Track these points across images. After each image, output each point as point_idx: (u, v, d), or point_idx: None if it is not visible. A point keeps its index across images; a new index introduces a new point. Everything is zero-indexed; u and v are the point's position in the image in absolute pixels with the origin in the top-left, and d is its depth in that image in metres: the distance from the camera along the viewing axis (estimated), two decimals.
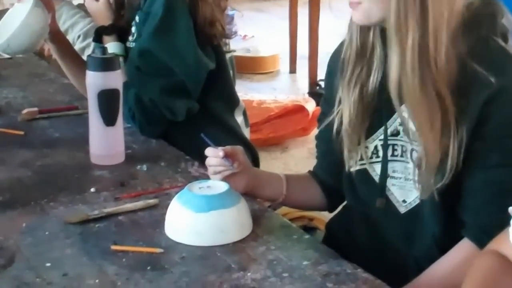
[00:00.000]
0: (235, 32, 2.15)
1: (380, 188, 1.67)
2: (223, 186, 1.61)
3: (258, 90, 5.40)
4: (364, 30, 1.60)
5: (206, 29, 2.12)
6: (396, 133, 1.64)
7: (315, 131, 1.91)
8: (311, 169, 1.87)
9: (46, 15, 2.18)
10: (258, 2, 7.89)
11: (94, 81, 1.92)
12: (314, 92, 5.15)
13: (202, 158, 1.97)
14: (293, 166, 4.15)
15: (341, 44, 1.67)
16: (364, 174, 1.69)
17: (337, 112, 1.67)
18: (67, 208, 1.70)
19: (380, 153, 1.66)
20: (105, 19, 2.26)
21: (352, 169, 1.69)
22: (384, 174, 1.66)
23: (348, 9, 1.57)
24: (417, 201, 1.62)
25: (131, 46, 2.20)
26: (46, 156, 2.00)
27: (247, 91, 5.05)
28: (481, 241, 1.46)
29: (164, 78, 2.09)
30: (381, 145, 1.66)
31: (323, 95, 1.84)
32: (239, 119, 2.31)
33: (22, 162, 1.96)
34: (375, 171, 1.68)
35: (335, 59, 1.71)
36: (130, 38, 2.21)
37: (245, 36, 6.50)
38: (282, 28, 6.18)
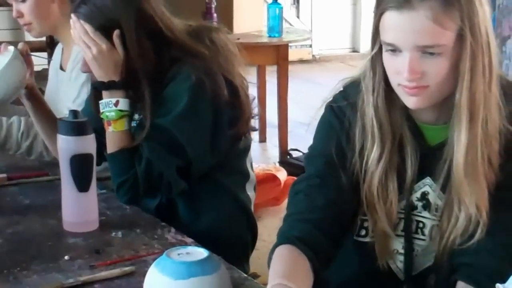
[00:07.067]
0: None
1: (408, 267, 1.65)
2: (203, 253, 1.56)
3: None
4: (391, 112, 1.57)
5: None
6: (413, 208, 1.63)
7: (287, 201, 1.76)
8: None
9: (24, 69, 2.17)
10: None
11: (66, 146, 1.86)
12: (285, 161, 5.13)
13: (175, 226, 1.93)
14: (266, 236, 4.06)
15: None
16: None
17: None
18: (41, 277, 1.64)
19: (400, 227, 1.64)
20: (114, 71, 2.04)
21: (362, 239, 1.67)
22: (410, 251, 1.64)
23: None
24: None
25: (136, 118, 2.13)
26: (17, 223, 1.93)
27: None
28: None
29: (179, 158, 2.02)
30: (403, 219, 1.64)
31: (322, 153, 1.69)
32: (251, 193, 2.27)
33: None
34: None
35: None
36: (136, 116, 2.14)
37: None
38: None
